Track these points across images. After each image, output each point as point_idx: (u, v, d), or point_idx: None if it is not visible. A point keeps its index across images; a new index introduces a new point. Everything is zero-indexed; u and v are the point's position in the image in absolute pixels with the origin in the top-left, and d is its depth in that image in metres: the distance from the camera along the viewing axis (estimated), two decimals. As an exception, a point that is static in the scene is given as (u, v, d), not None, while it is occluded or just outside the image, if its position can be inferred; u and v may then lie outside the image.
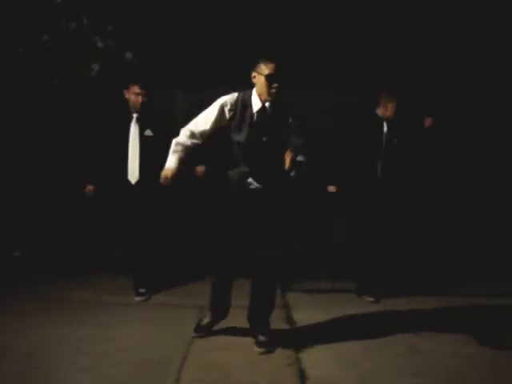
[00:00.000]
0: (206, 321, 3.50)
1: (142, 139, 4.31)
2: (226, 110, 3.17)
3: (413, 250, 5.11)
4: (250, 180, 3.16)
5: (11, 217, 5.25)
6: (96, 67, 5.08)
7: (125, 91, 4.32)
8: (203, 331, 3.46)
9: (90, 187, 4.39)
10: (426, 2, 5.22)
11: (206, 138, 3.23)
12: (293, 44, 5.24)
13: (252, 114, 3.17)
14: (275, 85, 3.08)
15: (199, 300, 4.14)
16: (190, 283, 4.81)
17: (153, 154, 4.16)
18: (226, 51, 5.14)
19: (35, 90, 5.19)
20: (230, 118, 3.17)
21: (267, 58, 3.08)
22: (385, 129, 4.33)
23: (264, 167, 3.15)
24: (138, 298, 4.33)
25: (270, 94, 3.11)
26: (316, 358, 3.20)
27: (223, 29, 5.25)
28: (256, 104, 3.17)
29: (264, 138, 3.13)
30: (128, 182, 4.31)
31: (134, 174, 4.31)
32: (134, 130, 4.32)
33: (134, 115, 4.32)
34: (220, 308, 3.48)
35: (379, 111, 4.34)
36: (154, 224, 4.40)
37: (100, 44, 5.13)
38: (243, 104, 3.17)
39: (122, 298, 4.38)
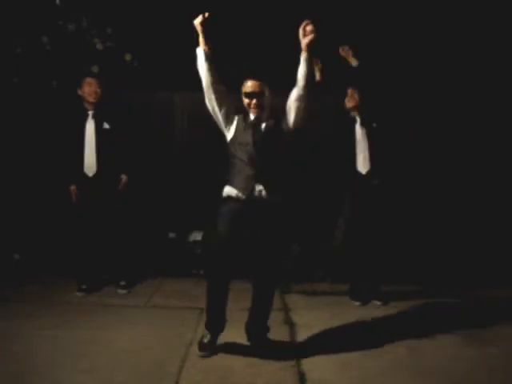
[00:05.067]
0: (207, 339, 3.30)
1: (99, 133, 4.43)
2: (230, 113, 3.27)
3: (413, 251, 5.12)
4: (254, 187, 3.17)
5: (10, 219, 5.25)
6: (95, 69, 5.09)
7: (78, 90, 4.44)
8: (208, 349, 3.26)
9: (73, 187, 4.45)
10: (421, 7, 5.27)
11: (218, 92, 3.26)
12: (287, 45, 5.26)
13: (249, 126, 3.24)
14: (253, 101, 3.18)
15: (198, 302, 4.13)
16: (189, 285, 4.81)
17: (110, 147, 4.43)
18: (224, 53, 5.14)
19: (34, 92, 5.19)
20: (230, 122, 3.26)
21: (247, 76, 3.19)
22: (357, 123, 4.38)
23: (262, 178, 3.17)
24: (79, 294, 4.47)
25: (250, 109, 3.22)
26: (315, 361, 3.20)
27: (221, 31, 5.25)
28: (252, 116, 3.26)
29: (260, 150, 3.19)
30: (85, 175, 4.42)
31: (91, 167, 4.42)
32: (89, 126, 4.44)
33: (90, 112, 4.44)
34: (217, 319, 3.33)
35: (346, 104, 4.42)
36: (116, 218, 4.55)
37: (99, 46, 5.13)
38: (245, 115, 3.26)
39: (121, 300, 4.39)
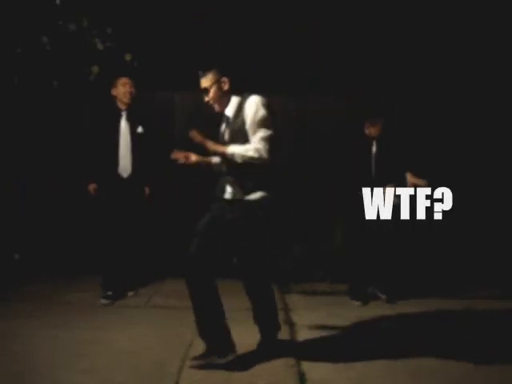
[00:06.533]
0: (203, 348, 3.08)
1: (133, 134, 4.40)
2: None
3: (412, 252, 5.11)
4: (227, 187, 3.10)
5: (10, 219, 5.25)
6: (95, 69, 5.09)
7: (112, 89, 4.38)
8: (200, 361, 3.04)
9: (93, 185, 4.40)
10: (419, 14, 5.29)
11: None
12: (291, 47, 5.28)
13: (221, 122, 3.22)
14: (205, 99, 3.12)
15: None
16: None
17: (144, 150, 4.40)
18: (224, 53, 5.15)
19: (34, 92, 5.20)
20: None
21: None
22: (374, 148, 4.46)
23: (232, 174, 3.08)
24: (104, 301, 4.30)
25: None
26: (315, 361, 3.19)
27: (221, 31, 5.26)
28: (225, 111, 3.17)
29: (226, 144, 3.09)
30: (119, 175, 4.37)
31: (126, 168, 4.37)
32: (124, 127, 4.40)
33: (123, 113, 4.39)
34: (211, 332, 3.05)
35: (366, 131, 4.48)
36: (143, 218, 4.53)
37: (99, 46, 5.13)
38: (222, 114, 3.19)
39: (121, 300, 4.39)
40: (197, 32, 5.25)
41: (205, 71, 3.10)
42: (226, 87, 3.11)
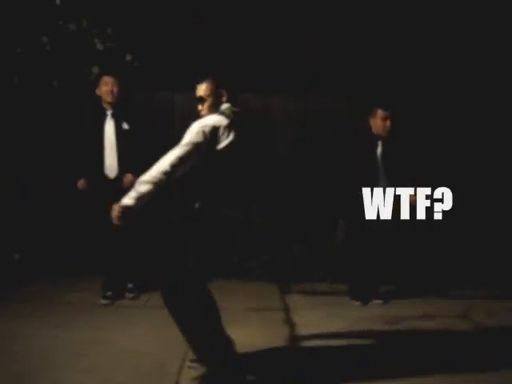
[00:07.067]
0: None
1: (119, 134, 4.28)
2: None
3: (412, 252, 5.11)
4: None
5: (10, 219, 5.25)
6: (95, 69, 5.09)
7: (96, 90, 4.30)
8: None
9: (82, 182, 4.30)
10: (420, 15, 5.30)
11: None
12: (288, 46, 5.29)
13: None
14: (199, 106, 3.00)
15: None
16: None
17: (131, 147, 4.22)
18: (224, 53, 5.16)
19: (34, 92, 5.20)
20: None
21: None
22: (379, 148, 4.36)
23: None
24: (103, 301, 4.29)
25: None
26: (315, 361, 3.20)
27: (221, 31, 5.26)
28: None
29: None
30: (106, 177, 4.27)
31: (112, 168, 4.27)
32: (109, 126, 4.29)
33: (109, 112, 4.29)
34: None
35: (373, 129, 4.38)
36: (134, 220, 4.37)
37: (99, 46, 5.13)
38: None
39: (121, 300, 4.39)
40: (197, 32, 5.25)
41: (203, 78, 2.99)
42: (223, 99, 2.97)
